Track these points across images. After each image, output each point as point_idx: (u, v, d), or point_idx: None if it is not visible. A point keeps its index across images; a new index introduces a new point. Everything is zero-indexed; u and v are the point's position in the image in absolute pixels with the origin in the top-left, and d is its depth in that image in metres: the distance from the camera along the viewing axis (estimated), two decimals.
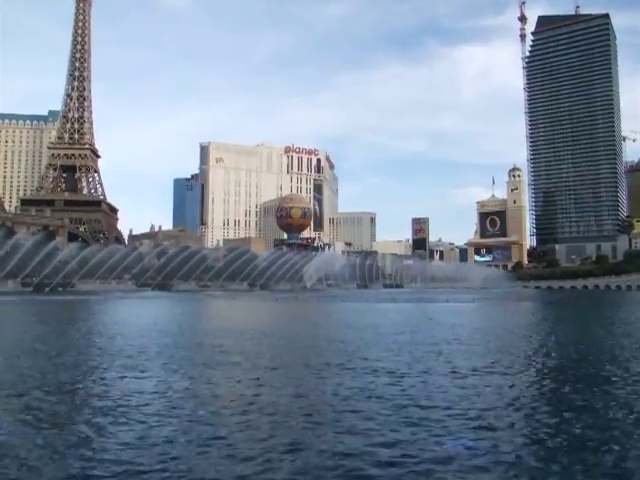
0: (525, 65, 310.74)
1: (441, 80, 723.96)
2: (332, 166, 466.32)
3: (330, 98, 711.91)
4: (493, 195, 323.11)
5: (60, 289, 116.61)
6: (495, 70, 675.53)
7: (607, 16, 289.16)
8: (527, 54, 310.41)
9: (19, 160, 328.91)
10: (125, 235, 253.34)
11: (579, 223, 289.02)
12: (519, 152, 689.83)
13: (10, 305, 66.52)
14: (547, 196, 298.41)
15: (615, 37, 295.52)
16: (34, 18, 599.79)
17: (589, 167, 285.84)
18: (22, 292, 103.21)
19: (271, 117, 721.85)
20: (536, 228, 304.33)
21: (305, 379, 16.78)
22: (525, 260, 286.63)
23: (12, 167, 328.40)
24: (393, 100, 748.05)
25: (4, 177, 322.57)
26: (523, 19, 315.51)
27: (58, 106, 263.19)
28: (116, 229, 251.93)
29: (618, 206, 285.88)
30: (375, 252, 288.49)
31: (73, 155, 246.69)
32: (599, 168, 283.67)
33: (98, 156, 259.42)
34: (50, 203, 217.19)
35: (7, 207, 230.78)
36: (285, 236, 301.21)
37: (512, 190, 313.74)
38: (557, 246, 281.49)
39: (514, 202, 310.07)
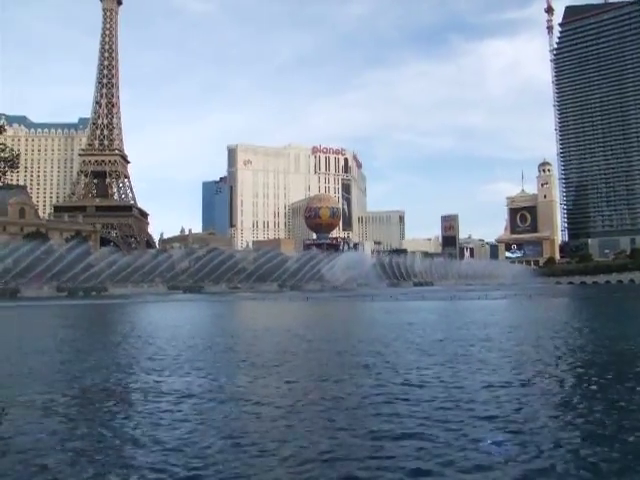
0: (553, 57, 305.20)
1: (468, 76, 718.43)
2: (360, 165, 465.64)
3: (356, 97, 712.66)
4: (523, 190, 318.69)
5: (94, 293, 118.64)
6: (522, 64, 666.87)
7: (639, 3, 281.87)
8: (555, 46, 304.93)
9: (51, 168, 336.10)
10: (156, 239, 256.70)
11: (612, 216, 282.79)
12: (549, 146, 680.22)
13: (45, 309, 67.79)
14: (578, 190, 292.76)
15: None
16: (63, 28, 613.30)
17: (621, 159, 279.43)
18: (57, 297, 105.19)
19: (298, 118, 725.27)
20: (568, 223, 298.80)
21: (343, 381, 16.64)
22: (557, 255, 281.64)
23: (45, 175, 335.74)
24: (420, 98, 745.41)
25: (38, 185, 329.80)
26: (550, 10, 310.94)
27: (88, 113, 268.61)
28: (147, 233, 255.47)
29: None
30: (405, 250, 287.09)
31: (103, 161, 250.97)
32: (632, 160, 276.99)
33: (128, 162, 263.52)
34: (82, 209, 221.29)
35: (41, 214, 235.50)
36: (314, 236, 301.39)
37: (542, 185, 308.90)
38: (590, 240, 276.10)
39: (544, 197, 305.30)
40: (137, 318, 54.45)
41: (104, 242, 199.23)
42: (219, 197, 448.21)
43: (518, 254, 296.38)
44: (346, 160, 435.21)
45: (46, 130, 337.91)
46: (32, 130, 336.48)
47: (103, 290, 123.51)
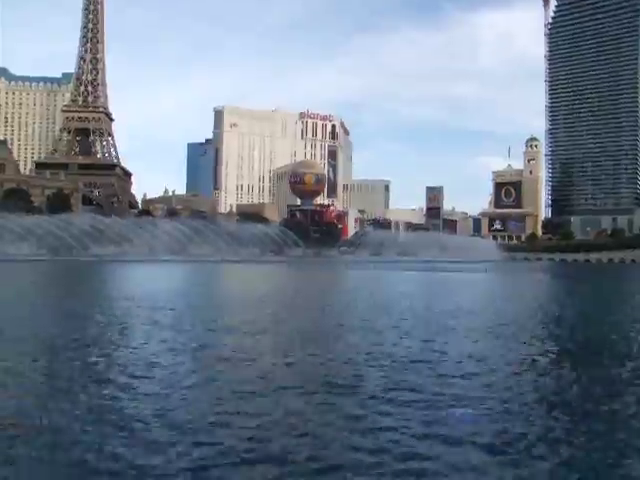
0: (548, 32, 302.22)
1: (459, 46, 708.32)
2: (347, 132, 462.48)
3: (345, 63, 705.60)
4: (509, 165, 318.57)
5: (75, 252, 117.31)
6: (516, 36, 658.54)
7: None
8: (550, 20, 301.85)
9: (33, 123, 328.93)
10: (139, 199, 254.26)
11: (596, 195, 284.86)
12: (538, 122, 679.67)
13: (26, 266, 67.10)
14: (564, 167, 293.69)
15: None
16: None
17: (610, 139, 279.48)
18: (37, 255, 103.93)
19: (286, 82, 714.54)
20: (552, 200, 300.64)
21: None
22: (540, 232, 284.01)
23: (26, 130, 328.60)
24: (410, 66, 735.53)
25: (18, 140, 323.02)
26: None
27: (72, 68, 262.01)
28: (130, 193, 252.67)
29: (637, 179, 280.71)
30: (388, 220, 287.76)
31: (87, 118, 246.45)
32: (620, 140, 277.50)
33: (112, 119, 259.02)
34: (64, 166, 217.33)
35: (22, 170, 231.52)
36: (299, 202, 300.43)
37: (529, 161, 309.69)
38: (572, 218, 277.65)
39: (530, 173, 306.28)
40: (120, 281, 53.97)
41: (86, 201, 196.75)
42: (204, 159, 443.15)
43: (500, 228, 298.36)
44: (333, 127, 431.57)
45: (27, 84, 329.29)
46: (13, 83, 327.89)
47: (84, 249, 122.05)
